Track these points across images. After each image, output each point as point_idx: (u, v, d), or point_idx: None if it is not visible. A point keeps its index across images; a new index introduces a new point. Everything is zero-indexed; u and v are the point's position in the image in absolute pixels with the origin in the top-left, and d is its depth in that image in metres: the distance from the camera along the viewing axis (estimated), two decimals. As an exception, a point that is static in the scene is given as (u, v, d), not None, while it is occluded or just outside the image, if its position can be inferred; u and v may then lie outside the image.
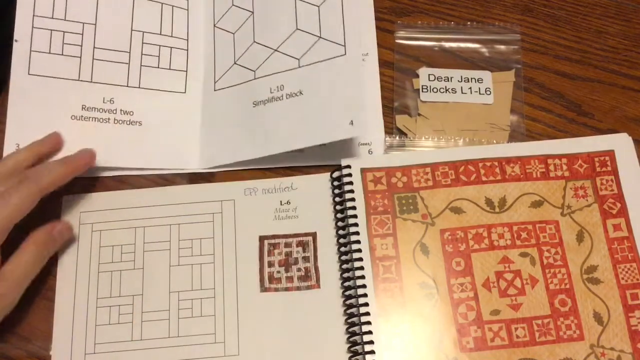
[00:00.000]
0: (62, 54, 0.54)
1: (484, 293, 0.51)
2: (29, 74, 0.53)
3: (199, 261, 0.54)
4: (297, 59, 0.58)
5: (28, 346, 0.52)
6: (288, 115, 0.57)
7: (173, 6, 0.60)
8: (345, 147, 0.58)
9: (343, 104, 0.55)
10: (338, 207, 0.55)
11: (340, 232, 0.54)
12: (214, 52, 0.62)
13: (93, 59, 0.56)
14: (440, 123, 0.59)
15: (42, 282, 0.54)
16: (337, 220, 0.55)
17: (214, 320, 0.53)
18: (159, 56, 0.59)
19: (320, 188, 0.57)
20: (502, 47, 0.62)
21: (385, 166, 0.55)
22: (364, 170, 0.55)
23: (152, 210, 0.56)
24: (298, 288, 0.53)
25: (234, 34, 0.61)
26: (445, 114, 0.59)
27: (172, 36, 0.59)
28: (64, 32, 0.55)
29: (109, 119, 0.57)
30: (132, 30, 0.57)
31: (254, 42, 0.60)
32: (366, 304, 0.50)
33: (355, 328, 0.50)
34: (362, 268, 0.52)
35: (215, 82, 0.60)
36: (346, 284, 0.52)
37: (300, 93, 0.57)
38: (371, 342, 0.49)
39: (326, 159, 0.58)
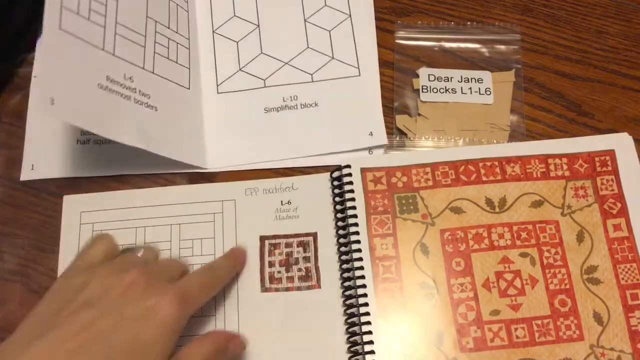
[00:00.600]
0: (88, 19, 0.52)
1: (483, 293, 0.51)
2: (60, 28, 0.49)
3: (199, 261, 0.54)
4: (310, 74, 0.61)
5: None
6: (304, 124, 0.59)
7: (177, 4, 0.60)
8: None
9: (360, 117, 0.59)
10: (338, 207, 0.55)
11: (341, 232, 0.54)
12: (215, 56, 0.62)
13: (115, 33, 0.54)
14: (440, 123, 0.59)
15: (43, 282, 0.54)
16: (338, 220, 0.55)
17: (215, 320, 0.53)
18: (168, 47, 0.58)
19: (320, 188, 0.57)
20: (502, 47, 0.62)
21: (385, 166, 0.55)
22: (364, 170, 0.55)
23: (152, 210, 0.56)
24: (299, 288, 0.53)
25: (237, 42, 0.62)
26: (445, 114, 0.59)
27: (177, 32, 0.60)
28: None
29: (130, 97, 0.54)
30: (147, 17, 0.57)
31: (262, 53, 0.61)
32: (366, 304, 0.51)
33: (356, 328, 0.50)
34: (362, 268, 0.52)
35: (218, 85, 0.61)
36: (346, 284, 0.52)
37: (316, 104, 0.60)
38: (371, 342, 0.49)
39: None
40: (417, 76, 0.60)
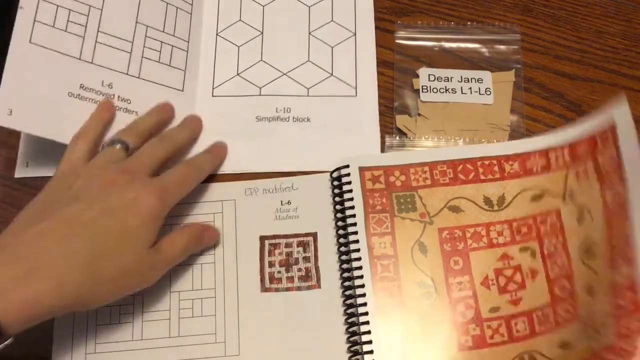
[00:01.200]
0: (65, 31, 0.53)
1: (482, 291, 0.51)
2: (30, 42, 0.52)
3: (199, 261, 0.55)
4: (306, 87, 0.61)
5: (29, 346, 0.52)
6: (293, 138, 0.59)
7: (177, 8, 0.61)
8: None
9: (352, 137, 0.59)
10: (338, 207, 0.55)
11: (340, 231, 0.54)
12: (215, 59, 0.62)
13: (96, 41, 0.55)
14: (440, 123, 0.59)
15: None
16: (337, 220, 0.55)
17: (215, 320, 0.53)
18: (160, 51, 0.59)
19: (320, 188, 0.57)
20: (502, 47, 0.62)
21: (383, 165, 0.55)
22: (362, 169, 0.55)
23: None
24: (299, 288, 0.53)
25: (239, 46, 0.62)
26: (445, 114, 0.59)
27: (174, 35, 0.60)
28: (70, 10, 0.54)
29: None
30: (136, 22, 0.57)
31: (262, 60, 0.61)
32: (365, 304, 0.51)
33: (355, 328, 0.50)
34: (360, 267, 0.52)
35: (213, 88, 0.61)
36: (346, 283, 0.52)
37: (308, 119, 0.60)
38: (369, 342, 0.49)
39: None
40: (417, 76, 0.61)
